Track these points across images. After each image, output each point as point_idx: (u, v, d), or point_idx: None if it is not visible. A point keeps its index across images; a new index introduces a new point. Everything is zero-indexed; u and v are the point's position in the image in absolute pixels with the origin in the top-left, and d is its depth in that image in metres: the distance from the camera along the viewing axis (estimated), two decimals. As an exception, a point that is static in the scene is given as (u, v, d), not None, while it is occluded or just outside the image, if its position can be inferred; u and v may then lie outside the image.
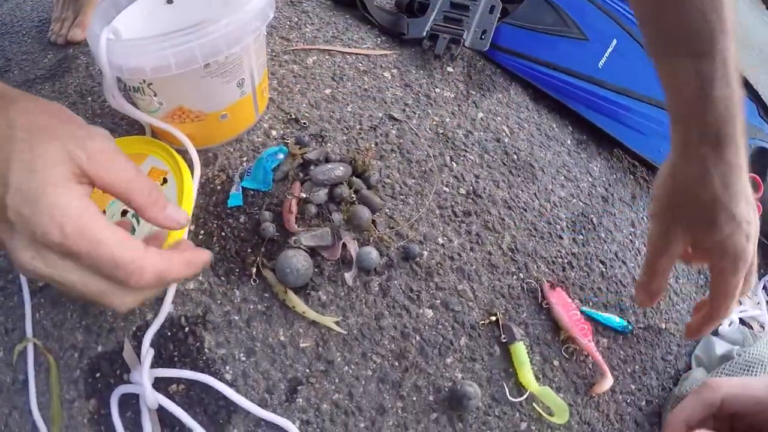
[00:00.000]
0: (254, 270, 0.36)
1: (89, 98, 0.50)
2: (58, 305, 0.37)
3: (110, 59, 0.34)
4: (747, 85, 0.56)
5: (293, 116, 0.43)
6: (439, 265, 0.38)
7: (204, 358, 0.34)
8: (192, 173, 0.38)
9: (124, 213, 0.37)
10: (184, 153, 0.39)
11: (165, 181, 0.38)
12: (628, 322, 0.40)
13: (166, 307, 0.35)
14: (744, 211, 0.31)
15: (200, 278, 0.37)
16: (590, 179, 0.47)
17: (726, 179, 0.31)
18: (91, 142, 0.24)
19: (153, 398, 0.32)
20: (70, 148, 0.23)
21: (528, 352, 0.36)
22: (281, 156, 0.40)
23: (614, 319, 0.40)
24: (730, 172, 0.31)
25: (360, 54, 0.49)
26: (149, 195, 0.26)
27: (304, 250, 0.36)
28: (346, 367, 0.34)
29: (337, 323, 0.35)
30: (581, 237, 0.43)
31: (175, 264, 0.26)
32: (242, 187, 0.39)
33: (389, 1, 0.60)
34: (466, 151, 0.44)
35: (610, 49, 0.52)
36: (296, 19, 0.54)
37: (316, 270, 0.36)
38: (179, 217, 0.27)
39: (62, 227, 0.22)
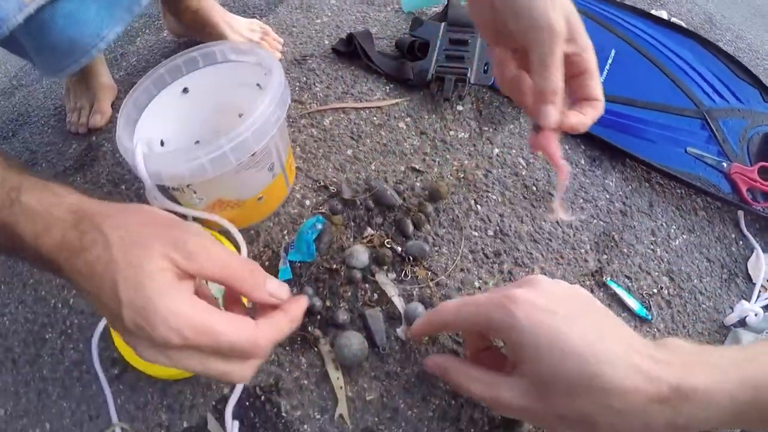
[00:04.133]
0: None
1: (122, 186, 0.55)
2: (137, 390, 0.43)
3: (148, 168, 0.38)
4: (748, 72, 0.60)
5: (322, 183, 0.48)
6: (478, 307, 0.44)
7: (283, 421, 0.40)
8: (239, 252, 0.44)
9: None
10: (226, 233, 0.45)
11: None
12: (649, 311, 0.46)
13: (241, 381, 0.41)
14: None
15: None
16: (607, 196, 0.52)
17: None
18: (186, 240, 0.27)
19: None
20: (167, 252, 0.26)
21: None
22: (319, 226, 0.45)
23: (636, 303, 0.46)
24: None
25: (373, 107, 0.54)
26: (250, 278, 0.29)
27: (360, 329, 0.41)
28: (410, 412, 0.40)
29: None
30: (605, 256, 0.49)
31: (283, 326, 0.30)
32: (289, 261, 0.45)
33: (390, 44, 0.64)
34: (488, 191, 0.50)
35: (609, 61, 0.57)
36: (304, 78, 0.58)
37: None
38: (281, 292, 0.30)
39: (180, 331, 0.25)
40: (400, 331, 0.42)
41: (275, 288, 0.30)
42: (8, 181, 0.28)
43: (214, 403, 0.42)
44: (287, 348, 0.43)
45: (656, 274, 0.49)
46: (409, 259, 0.44)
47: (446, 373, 0.35)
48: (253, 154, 0.40)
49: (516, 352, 0.30)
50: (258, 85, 0.47)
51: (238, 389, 0.41)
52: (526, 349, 0.29)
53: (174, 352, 0.26)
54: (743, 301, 0.50)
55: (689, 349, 0.29)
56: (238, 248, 0.44)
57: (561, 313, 0.29)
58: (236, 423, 0.40)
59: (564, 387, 0.28)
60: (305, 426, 0.40)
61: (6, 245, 0.28)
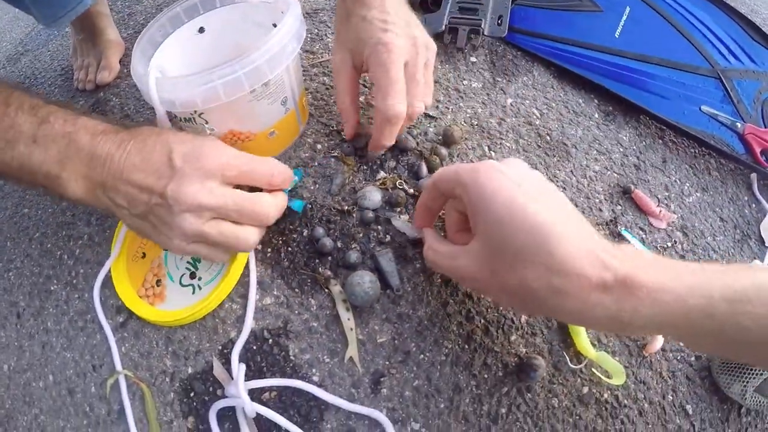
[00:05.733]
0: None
1: (130, 135, 0.54)
2: (142, 337, 0.42)
3: (161, 95, 0.38)
4: (763, 35, 0.59)
5: (334, 128, 0.47)
6: (492, 252, 0.42)
7: (291, 364, 0.39)
8: None
9: (192, 275, 0.43)
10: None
11: None
12: None
13: (248, 324, 0.40)
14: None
15: (275, 293, 0.41)
16: (621, 149, 0.51)
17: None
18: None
19: (251, 408, 0.36)
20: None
21: (583, 322, 0.41)
22: (295, 178, 0.44)
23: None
24: None
25: (385, 57, 0.53)
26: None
27: (372, 270, 0.40)
28: (422, 355, 0.39)
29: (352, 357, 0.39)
30: (620, 207, 0.47)
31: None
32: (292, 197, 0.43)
33: (402, -2, 0.63)
34: (501, 138, 0.49)
35: (624, 18, 0.56)
36: (316, 30, 0.58)
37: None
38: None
39: (225, 155, 0.33)
40: None
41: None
42: (68, 107, 0.35)
43: (220, 347, 0.40)
44: (296, 290, 0.41)
45: (670, 228, 0.48)
46: (422, 197, 0.43)
47: (425, 248, 0.35)
48: (266, 84, 0.39)
49: (473, 214, 0.30)
50: (274, 25, 0.46)
51: (245, 332, 0.40)
52: (481, 210, 0.28)
53: (214, 184, 0.32)
54: (756, 261, 0.49)
55: (647, 253, 0.28)
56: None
57: (524, 187, 0.28)
58: (243, 366, 0.38)
59: (510, 255, 0.27)
60: (314, 369, 0.39)
61: (60, 152, 0.33)
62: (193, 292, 0.42)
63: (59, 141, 0.32)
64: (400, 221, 0.42)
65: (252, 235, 0.36)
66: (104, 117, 0.36)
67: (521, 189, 0.28)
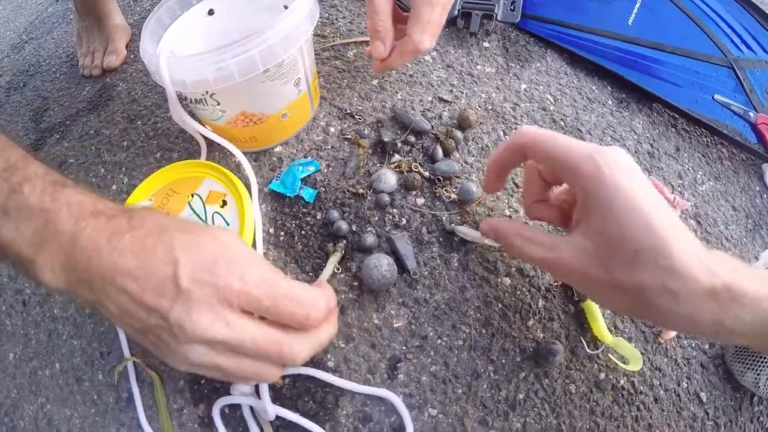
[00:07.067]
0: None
1: (138, 122, 0.53)
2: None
3: (171, 76, 0.37)
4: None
5: (347, 111, 0.46)
6: (509, 236, 0.41)
7: (305, 349, 0.38)
8: (250, 193, 0.41)
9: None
10: (250, 155, 0.42)
11: (224, 203, 0.40)
12: None
13: (262, 308, 0.39)
14: None
15: (288, 276, 0.40)
16: (635, 137, 0.50)
17: None
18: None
19: (273, 411, 0.34)
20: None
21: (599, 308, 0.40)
22: (311, 168, 0.43)
23: None
24: None
25: (398, 41, 0.52)
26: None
27: (387, 253, 0.39)
28: (439, 340, 0.38)
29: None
30: (635, 193, 0.47)
31: (332, 294, 0.30)
32: (304, 185, 0.43)
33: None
34: (516, 123, 0.48)
35: (637, 5, 0.55)
36: (327, 14, 0.57)
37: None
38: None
39: (242, 276, 0.26)
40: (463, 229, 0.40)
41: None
42: (51, 175, 0.27)
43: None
44: (310, 274, 0.40)
45: (684, 216, 0.47)
46: (438, 180, 0.42)
47: (502, 237, 0.33)
48: (280, 64, 0.38)
49: (588, 205, 0.28)
50: (285, 7, 0.45)
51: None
52: (600, 205, 0.27)
53: (230, 315, 0.25)
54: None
55: (735, 259, 0.28)
56: (248, 184, 0.42)
57: (638, 182, 0.27)
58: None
59: (629, 254, 0.26)
60: (328, 355, 0.38)
61: (36, 233, 0.25)
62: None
63: (34, 218, 0.25)
64: (465, 227, 0.40)
65: (273, 374, 0.29)
66: (98, 193, 0.28)
67: (637, 185, 0.27)
